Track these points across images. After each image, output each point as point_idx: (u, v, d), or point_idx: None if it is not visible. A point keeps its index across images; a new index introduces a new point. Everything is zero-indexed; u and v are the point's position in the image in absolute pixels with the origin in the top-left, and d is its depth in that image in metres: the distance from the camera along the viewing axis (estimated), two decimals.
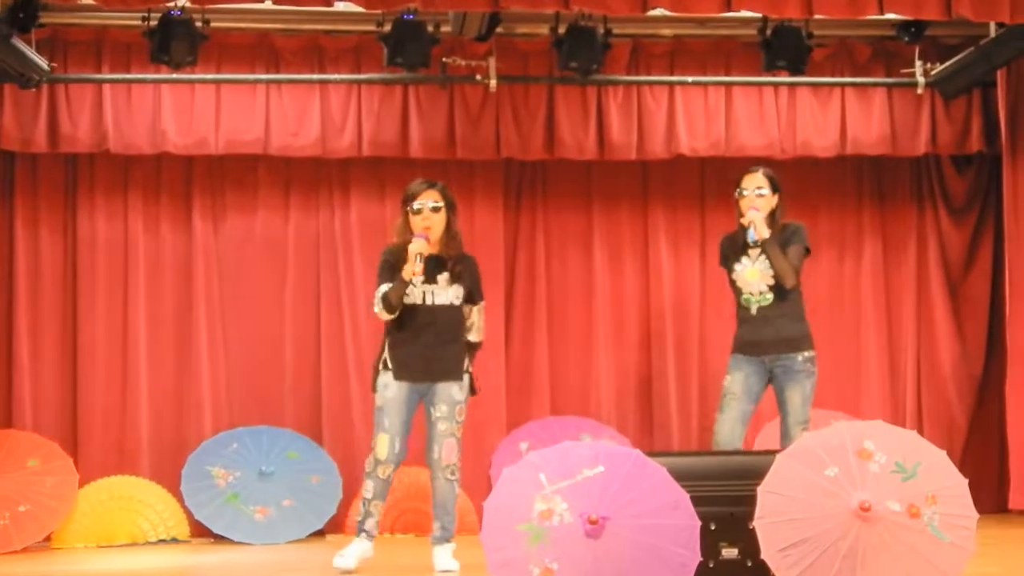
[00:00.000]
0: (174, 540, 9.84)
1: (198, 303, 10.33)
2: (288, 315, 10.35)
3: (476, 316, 8.04)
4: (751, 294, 8.22)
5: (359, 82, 10.18)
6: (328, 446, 10.23)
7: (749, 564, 6.26)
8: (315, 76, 10.17)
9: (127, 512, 9.78)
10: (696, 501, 5.89)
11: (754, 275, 8.21)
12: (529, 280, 10.74)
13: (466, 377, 7.99)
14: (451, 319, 7.90)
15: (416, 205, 7.82)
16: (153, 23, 9.22)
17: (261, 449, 10.04)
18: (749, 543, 6.01)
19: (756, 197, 8.20)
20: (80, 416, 10.19)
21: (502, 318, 10.58)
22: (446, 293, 7.85)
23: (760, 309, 8.20)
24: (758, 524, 5.75)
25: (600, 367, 10.70)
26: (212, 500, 9.85)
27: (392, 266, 7.78)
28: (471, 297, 8.00)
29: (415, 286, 7.76)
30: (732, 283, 8.36)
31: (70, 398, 10.23)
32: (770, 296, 8.19)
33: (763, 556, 5.73)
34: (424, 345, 7.79)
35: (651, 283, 10.76)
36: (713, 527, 6.23)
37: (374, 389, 7.89)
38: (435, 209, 7.82)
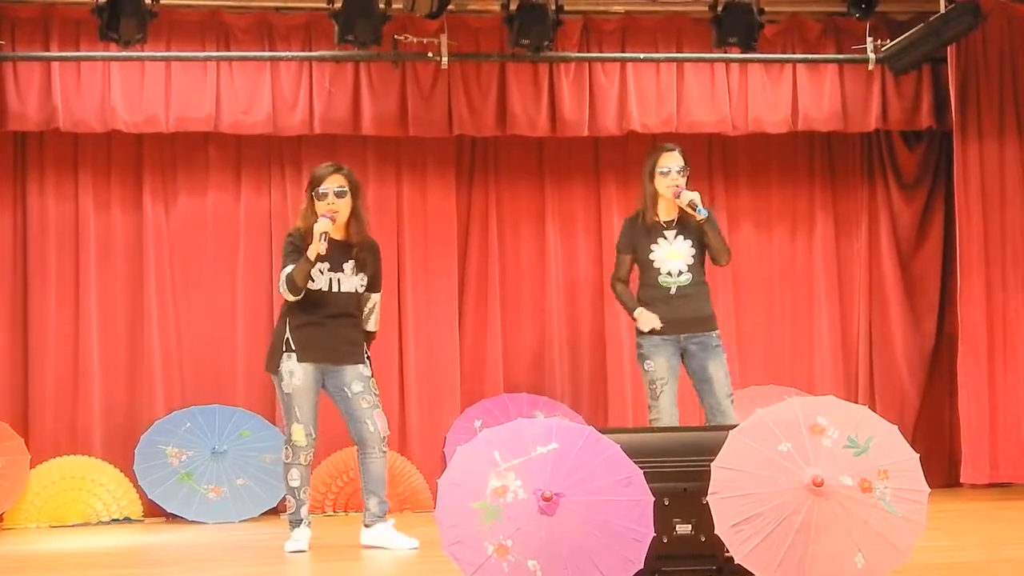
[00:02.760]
0: (127, 520, 9.82)
1: (149, 282, 10.27)
2: (240, 294, 10.31)
3: (373, 305, 8.06)
4: (669, 274, 8.25)
5: (310, 59, 10.14)
6: (280, 425, 10.20)
7: (703, 539, 6.26)
8: (266, 53, 10.13)
9: (79, 492, 9.75)
10: (649, 477, 5.89)
11: (674, 255, 8.26)
12: (482, 257, 10.73)
13: (368, 360, 8.00)
14: (356, 303, 7.98)
15: (321, 189, 7.84)
16: (102, 0, 9.16)
17: (214, 428, 10.02)
18: (703, 518, 6.02)
19: (678, 174, 8.25)
20: (31, 396, 10.13)
21: (455, 295, 10.59)
22: (351, 281, 7.91)
23: (679, 288, 8.26)
24: (711, 499, 5.76)
25: (554, 344, 10.70)
26: (165, 479, 9.83)
27: (297, 248, 7.82)
28: (371, 285, 8.02)
29: (322, 273, 7.80)
30: (645, 264, 8.34)
31: (21, 378, 10.16)
32: (689, 276, 8.26)
33: (717, 531, 5.74)
34: (330, 329, 7.84)
35: (604, 259, 10.76)
36: (667, 503, 6.24)
37: (272, 370, 7.87)
38: (339, 194, 7.84)
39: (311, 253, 7.66)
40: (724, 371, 8.30)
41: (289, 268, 7.74)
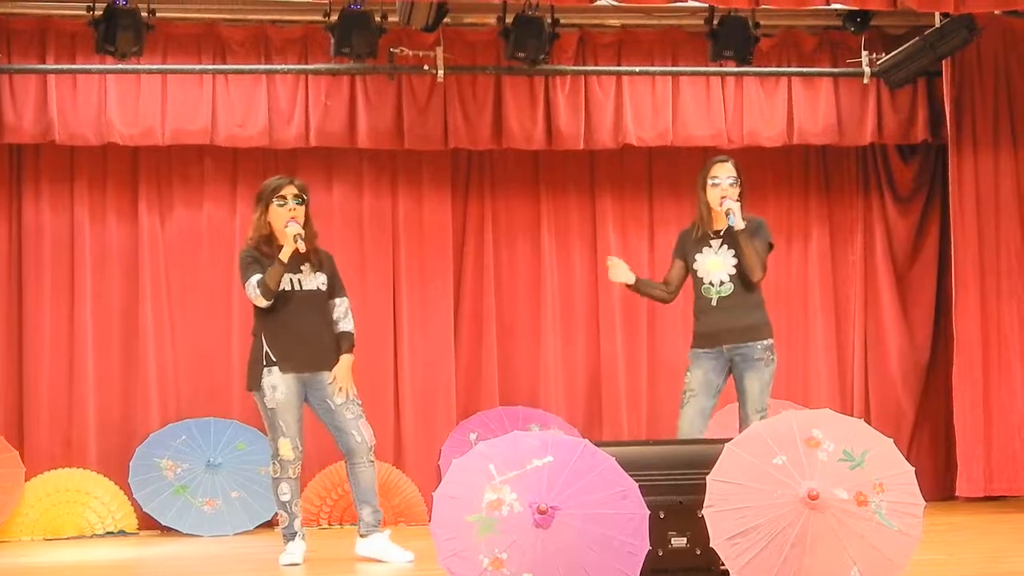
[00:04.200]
0: (122, 532, 9.80)
1: (144, 294, 10.27)
2: (235, 306, 10.29)
3: (345, 309, 8.09)
4: (711, 284, 8.20)
5: (306, 72, 10.14)
6: None
7: (698, 552, 6.27)
8: (262, 66, 10.13)
9: (74, 505, 9.74)
10: (645, 490, 5.90)
11: (715, 265, 8.19)
12: (477, 270, 10.73)
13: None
14: (321, 303, 7.97)
15: (281, 194, 7.86)
16: (98, 13, 9.16)
17: (209, 441, 10.01)
18: (698, 532, 6.03)
19: (729, 187, 8.18)
20: (26, 408, 10.12)
21: (451, 307, 10.58)
22: (312, 279, 7.94)
23: (720, 300, 8.18)
24: (707, 513, 5.77)
25: (549, 357, 10.70)
26: (160, 492, 9.82)
27: (257, 260, 7.87)
28: (333, 290, 8.05)
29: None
30: (692, 274, 8.33)
31: (16, 390, 10.15)
32: (730, 286, 8.16)
33: (712, 544, 5.75)
34: (303, 330, 7.85)
35: (600, 272, 10.76)
36: (662, 516, 6.25)
37: (254, 388, 7.88)
38: (299, 200, 7.87)
39: (284, 255, 7.74)
40: (760, 386, 8.15)
41: (257, 276, 7.78)
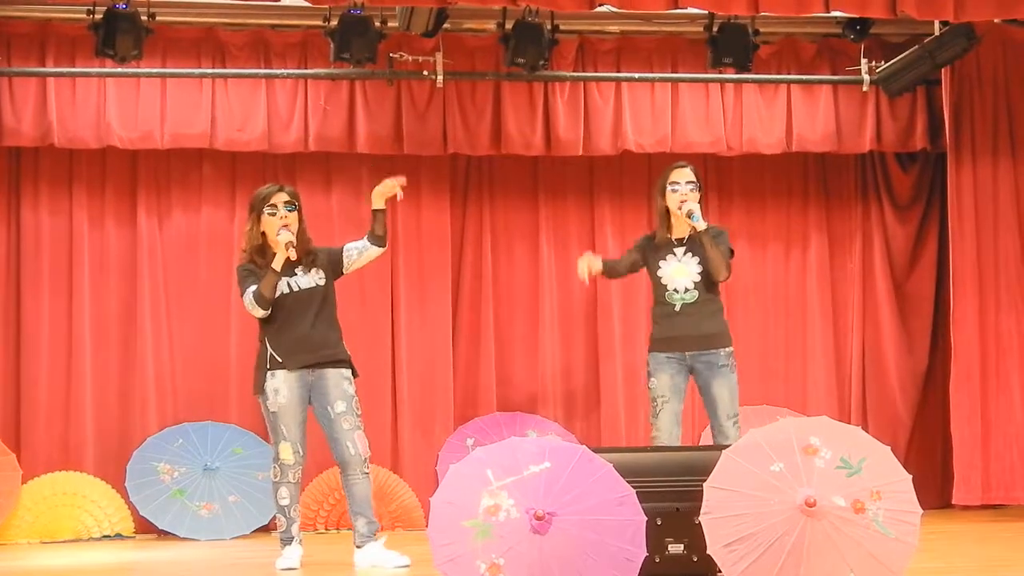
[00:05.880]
0: (118, 536, 9.81)
1: (143, 297, 10.27)
2: (233, 311, 10.28)
3: (356, 244, 8.02)
4: (675, 291, 8.21)
5: (305, 77, 10.15)
6: None
7: (695, 559, 6.27)
8: (261, 71, 10.14)
9: (71, 508, 9.74)
10: (642, 497, 5.90)
11: (680, 272, 8.20)
12: (476, 275, 10.74)
13: (350, 364, 7.97)
14: (321, 298, 7.90)
15: (271, 202, 7.85)
16: (98, 17, 9.17)
17: (206, 445, 10.01)
18: (695, 538, 6.03)
19: (689, 191, 8.19)
20: (23, 411, 10.12)
21: (449, 313, 10.59)
22: (308, 278, 7.88)
23: (684, 306, 8.19)
24: (704, 519, 5.77)
25: (547, 363, 10.71)
26: (157, 496, 9.82)
27: (253, 272, 7.84)
28: (338, 259, 7.98)
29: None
30: (655, 281, 8.33)
31: (13, 393, 10.15)
32: (695, 293, 8.18)
33: (709, 551, 5.74)
34: (303, 327, 7.81)
35: (598, 278, 10.75)
36: (659, 522, 6.25)
37: (258, 392, 7.87)
38: (290, 207, 7.85)
39: (276, 263, 7.70)
40: (729, 391, 8.18)
41: (253, 288, 7.75)
